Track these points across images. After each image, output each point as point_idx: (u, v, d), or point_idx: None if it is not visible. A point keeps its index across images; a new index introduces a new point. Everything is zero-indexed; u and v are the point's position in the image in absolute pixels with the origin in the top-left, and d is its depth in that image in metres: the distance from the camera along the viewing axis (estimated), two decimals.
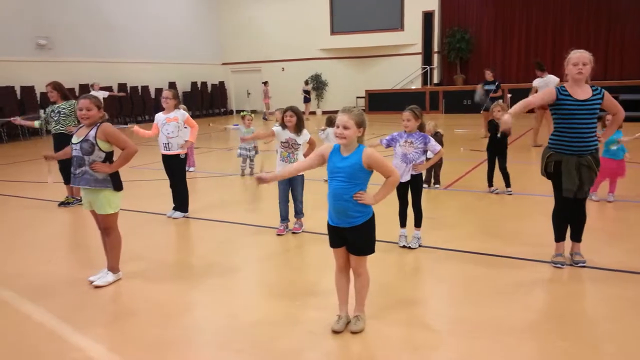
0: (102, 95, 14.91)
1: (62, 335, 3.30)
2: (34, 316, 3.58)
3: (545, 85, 10.07)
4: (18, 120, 7.20)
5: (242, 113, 8.78)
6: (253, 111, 20.13)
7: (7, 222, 6.21)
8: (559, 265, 4.13)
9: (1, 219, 6.34)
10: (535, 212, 5.90)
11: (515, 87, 16.95)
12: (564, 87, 3.95)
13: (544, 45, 20.45)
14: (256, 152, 8.60)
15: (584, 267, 4.10)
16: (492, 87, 11.64)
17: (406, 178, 4.58)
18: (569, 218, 4.15)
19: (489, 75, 11.73)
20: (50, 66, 16.13)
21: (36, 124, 6.94)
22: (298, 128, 5.08)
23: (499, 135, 6.30)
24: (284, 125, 5.12)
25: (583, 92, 3.88)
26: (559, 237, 4.20)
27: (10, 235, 5.66)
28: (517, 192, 6.66)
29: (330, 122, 7.52)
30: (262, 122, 18.97)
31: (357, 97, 21.90)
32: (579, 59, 3.82)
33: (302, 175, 5.22)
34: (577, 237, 4.20)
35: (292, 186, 5.22)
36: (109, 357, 3.03)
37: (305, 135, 5.13)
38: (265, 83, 21.18)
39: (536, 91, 10.16)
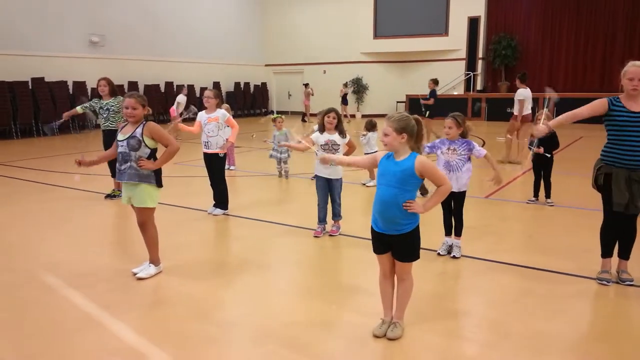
0: (182, 100, 13.98)
1: (102, 323, 3.40)
2: (76, 303, 3.71)
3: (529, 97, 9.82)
4: (63, 115, 7.27)
5: (272, 116, 8.72)
6: (309, 115, 20.28)
7: (54, 211, 6.46)
8: (604, 283, 3.97)
9: (49, 208, 6.61)
10: (579, 225, 5.70)
11: (562, 97, 16.35)
12: (617, 97, 3.82)
13: (593, 54, 19.80)
14: (289, 155, 8.61)
15: (631, 285, 3.94)
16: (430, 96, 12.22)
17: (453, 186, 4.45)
18: (618, 234, 4.00)
19: (430, 85, 12.52)
20: (102, 63, 16.76)
21: (78, 109, 7.03)
22: (338, 129, 5.12)
23: (548, 155, 6.32)
24: (322, 129, 5.15)
25: (638, 104, 3.74)
26: (606, 253, 4.05)
27: (57, 224, 5.90)
28: (560, 205, 6.46)
29: (371, 126, 7.49)
30: (301, 124, 19.07)
31: (398, 102, 21.74)
32: (635, 74, 3.66)
33: (341, 178, 5.25)
34: (624, 255, 4.04)
35: (330, 188, 5.23)
36: (147, 348, 3.11)
37: (346, 137, 5.16)
38: (306, 85, 21.31)
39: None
